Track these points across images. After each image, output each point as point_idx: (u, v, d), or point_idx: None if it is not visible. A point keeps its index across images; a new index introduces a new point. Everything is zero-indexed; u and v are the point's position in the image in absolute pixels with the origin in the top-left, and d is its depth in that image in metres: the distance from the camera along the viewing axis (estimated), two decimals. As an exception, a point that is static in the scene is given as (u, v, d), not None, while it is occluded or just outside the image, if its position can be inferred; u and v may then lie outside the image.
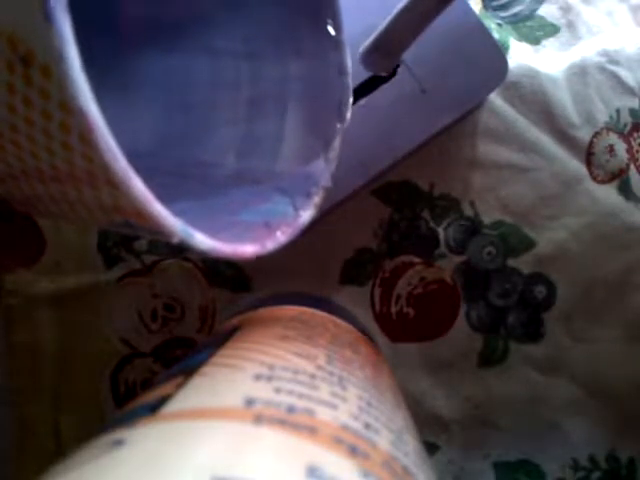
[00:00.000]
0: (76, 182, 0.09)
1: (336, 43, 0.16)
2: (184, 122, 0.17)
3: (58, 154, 0.09)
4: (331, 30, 0.16)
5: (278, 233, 0.13)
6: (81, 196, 0.09)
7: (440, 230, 0.23)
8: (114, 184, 0.08)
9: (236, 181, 0.16)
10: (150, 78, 0.17)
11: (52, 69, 0.08)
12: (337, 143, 0.16)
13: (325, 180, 0.15)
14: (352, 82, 0.16)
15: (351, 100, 0.16)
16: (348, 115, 0.16)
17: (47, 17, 0.07)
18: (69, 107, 0.08)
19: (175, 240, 0.10)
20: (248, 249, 0.12)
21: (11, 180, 0.10)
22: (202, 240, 0.10)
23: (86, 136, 0.08)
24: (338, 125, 0.16)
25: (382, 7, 0.18)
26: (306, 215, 0.14)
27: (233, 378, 0.10)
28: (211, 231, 0.10)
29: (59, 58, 0.07)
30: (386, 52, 0.18)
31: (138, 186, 0.09)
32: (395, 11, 0.17)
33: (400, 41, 0.18)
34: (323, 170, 0.15)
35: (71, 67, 0.07)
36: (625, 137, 0.23)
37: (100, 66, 0.09)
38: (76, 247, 0.22)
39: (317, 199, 0.15)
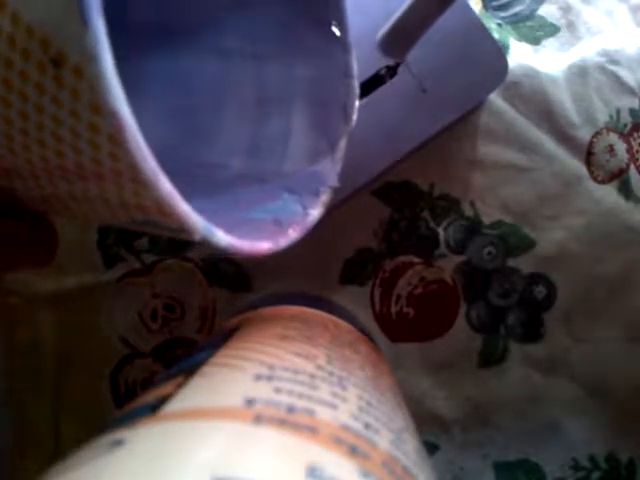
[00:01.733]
0: (101, 181, 0.09)
1: (342, 45, 0.16)
2: (192, 123, 0.17)
3: (85, 153, 0.09)
4: (336, 31, 0.16)
5: (290, 230, 0.13)
6: (104, 194, 0.09)
7: (440, 230, 0.23)
8: (142, 183, 0.08)
9: (244, 181, 0.16)
10: (158, 80, 0.17)
11: (84, 71, 0.08)
12: (343, 143, 0.16)
13: (332, 179, 0.15)
14: (358, 82, 0.16)
15: (357, 101, 0.16)
16: (354, 116, 0.16)
17: (83, 20, 0.07)
18: (101, 108, 0.08)
19: (196, 238, 0.10)
20: (264, 246, 0.12)
21: (32, 179, 0.10)
22: (222, 237, 0.10)
23: (116, 136, 0.08)
24: (344, 126, 0.16)
25: (386, 8, 0.18)
26: (315, 213, 0.14)
27: (233, 378, 0.10)
28: (225, 229, 0.10)
29: (93, 60, 0.07)
30: (404, 38, 0.18)
31: (166, 185, 0.09)
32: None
33: (418, 26, 0.18)
34: (330, 169, 0.15)
35: (105, 69, 0.07)
36: (625, 137, 0.23)
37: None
38: (76, 247, 0.22)
39: (325, 198, 0.15)
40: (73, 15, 0.07)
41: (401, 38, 0.18)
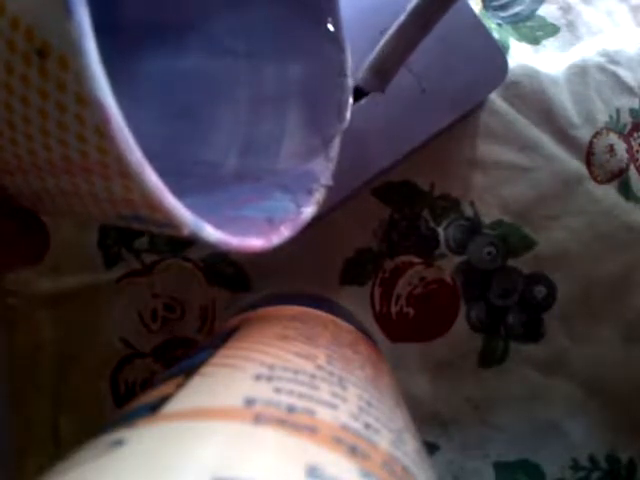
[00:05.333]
0: (88, 174, 0.09)
1: (336, 44, 0.16)
2: (187, 122, 0.17)
3: (71, 146, 0.09)
4: (330, 27, 0.16)
5: (282, 228, 0.13)
6: (92, 188, 0.09)
7: (440, 230, 0.23)
8: (128, 176, 0.08)
9: (238, 179, 0.16)
10: (153, 79, 0.17)
11: (69, 61, 0.08)
12: (337, 142, 0.16)
13: (325, 178, 0.15)
14: (353, 81, 0.16)
15: (351, 100, 0.16)
16: (348, 115, 0.16)
17: (67, 9, 0.07)
18: (86, 99, 0.08)
19: (185, 232, 0.10)
20: (255, 242, 0.12)
21: (20, 174, 0.10)
22: (211, 232, 0.10)
23: (102, 128, 0.08)
24: (338, 124, 0.16)
25: (385, 9, 0.18)
26: (308, 211, 0.14)
27: (233, 378, 0.10)
28: (214, 226, 0.10)
29: (78, 50, 0.07)
30: (381, 74, 0.18)
31: (152, 178, 0.08)
32: (384, 38, 0.17)
33: (392, 64, 0.18)
34: (323, 168, 0.15)
35: (90, 59, 0.07)
36: (625, 137, 0.23)
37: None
38: (76, 247, 0.22)
39: (318, 196, 0.15)
40: (57, 4, 0.07)
41: (379, 75, 0.18)
